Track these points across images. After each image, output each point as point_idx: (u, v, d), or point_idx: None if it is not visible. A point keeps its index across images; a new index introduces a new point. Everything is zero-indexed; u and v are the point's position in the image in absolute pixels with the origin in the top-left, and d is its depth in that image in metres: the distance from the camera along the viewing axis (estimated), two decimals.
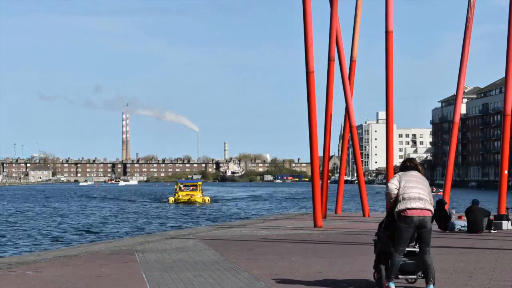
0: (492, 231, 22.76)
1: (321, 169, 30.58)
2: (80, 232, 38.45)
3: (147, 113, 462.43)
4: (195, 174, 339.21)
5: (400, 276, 10.51)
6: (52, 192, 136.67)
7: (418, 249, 10.33)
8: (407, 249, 10.32)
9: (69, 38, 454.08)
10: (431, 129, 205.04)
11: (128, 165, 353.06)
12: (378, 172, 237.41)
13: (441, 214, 23.33)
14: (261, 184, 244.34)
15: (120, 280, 12.29)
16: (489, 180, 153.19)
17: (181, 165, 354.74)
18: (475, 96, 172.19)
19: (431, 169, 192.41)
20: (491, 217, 24.08)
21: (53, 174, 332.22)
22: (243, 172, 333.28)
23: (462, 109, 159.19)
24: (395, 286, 10.30)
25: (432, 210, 10.30)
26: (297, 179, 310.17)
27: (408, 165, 10.58)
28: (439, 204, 23.54)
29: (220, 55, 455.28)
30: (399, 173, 10.50)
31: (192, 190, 79.51)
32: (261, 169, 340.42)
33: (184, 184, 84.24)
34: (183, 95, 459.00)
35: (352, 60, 33.32)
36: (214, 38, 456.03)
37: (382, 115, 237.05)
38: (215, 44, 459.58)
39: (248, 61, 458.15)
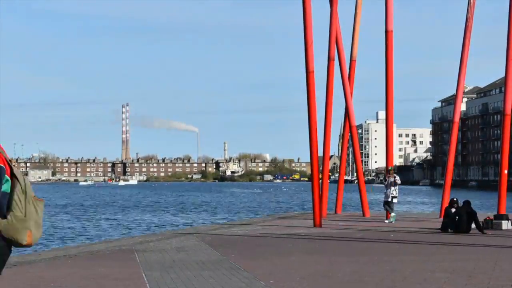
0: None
1: (321, 168, 30.56)
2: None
3: (152, 124, 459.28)
4: (195, 174, 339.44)
5: None
6: None
7: None
8: None
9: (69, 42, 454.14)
10: (431, 129, 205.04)
11: (128, 165, 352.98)
12: (378, 171, 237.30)
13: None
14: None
15: (120, 280, 12.28)
16: (489, 179, 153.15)
17: (181, 164, 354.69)
18: (475, 95, 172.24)
19: (431, 169, 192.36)
20: (491, 217, 24.11)
21: (53, 173, 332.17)
22: (243, 172, 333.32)
23: (462, 108, 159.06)
24: None
25: None
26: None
27: None
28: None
29: (220, 55, 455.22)
30: None
31: None
32: (261, 169, 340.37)
33: None
34: (183, 94, 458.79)
35: (352, 60, 33.29)
36: (213, 38, 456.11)
37: (382, 114, 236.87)
38: (215, 43, 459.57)
39: (248, 60, 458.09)
